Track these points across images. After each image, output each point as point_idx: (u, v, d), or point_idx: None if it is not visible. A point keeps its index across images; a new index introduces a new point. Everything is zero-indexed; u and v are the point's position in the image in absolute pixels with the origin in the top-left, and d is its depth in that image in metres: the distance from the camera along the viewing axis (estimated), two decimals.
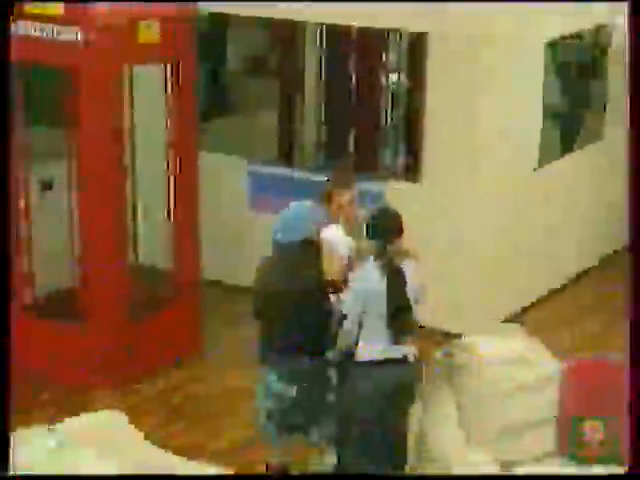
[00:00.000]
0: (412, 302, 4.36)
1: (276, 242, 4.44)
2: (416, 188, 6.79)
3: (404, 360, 4.35)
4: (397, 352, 4.34)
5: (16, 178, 5.99)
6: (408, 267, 4.40)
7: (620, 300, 6.48)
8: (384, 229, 4.40)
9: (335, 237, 4.73)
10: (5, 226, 2.15)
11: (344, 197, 4.83)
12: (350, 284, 4.40)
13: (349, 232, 4.81)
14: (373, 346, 4.30)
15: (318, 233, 4.45)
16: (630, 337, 2.29)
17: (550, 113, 7.22)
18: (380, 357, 4.31)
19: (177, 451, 4.47)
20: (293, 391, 4.35)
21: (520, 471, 4.20)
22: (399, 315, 4.32)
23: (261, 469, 5.12)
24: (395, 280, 4.32)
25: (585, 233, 7.68)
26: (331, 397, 4.48)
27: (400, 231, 4.39)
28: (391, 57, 6.85)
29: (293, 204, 4.59)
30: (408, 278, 4.34)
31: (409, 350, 4.38)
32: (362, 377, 4.32)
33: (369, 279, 4.33)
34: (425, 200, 6.75)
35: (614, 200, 7.96)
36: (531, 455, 4.33)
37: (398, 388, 4.34)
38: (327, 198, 4.84)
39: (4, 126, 2.15)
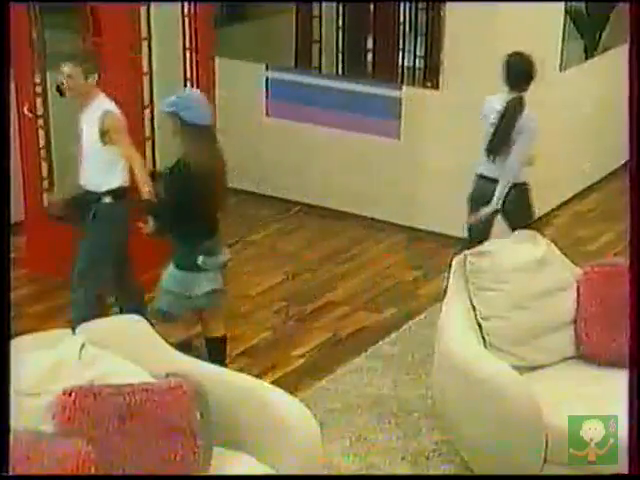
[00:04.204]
0: (516, 136, 5.22)
1: (182, 120, 4.54)
2: (435, 95, 6.72)
3: (495, 180, 5.30)
4: (494, 172, 5.30)
5: (33, 84, 5.98)
6: (533, 117, 5.26)
7: None
8: (519, 72, 5.25)
9: None
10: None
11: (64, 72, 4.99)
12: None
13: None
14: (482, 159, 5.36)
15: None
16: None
17: (573, 16, 7.09)
18: (486, 172, 5.35)
19: (196, 355, 4.54)
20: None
21: (538, 376, 4.24)
22: (500, 144, 5.24)
23: (280, 371, 5.22)
24: (510, 118, 5.20)
25: (609, 137, 7.61)
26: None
27: (529, 77, 5.27)
28: None
29: (189, 90, 4.86)
30: (525, 125, 5.20)
31: (495, 170, 5.30)
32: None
33: (492, 108, 5.30)
34: (445, 106, 6.69)
35: None
36: (549, 360, 4.37)
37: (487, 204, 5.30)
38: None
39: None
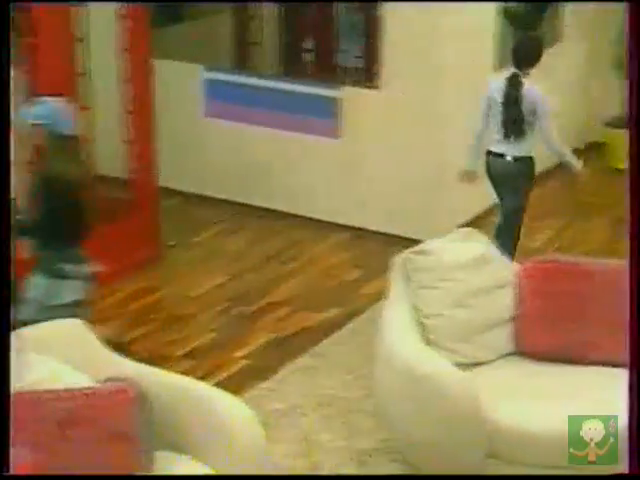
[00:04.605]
0: (526, 114, 5.61)
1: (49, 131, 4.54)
2: (376, 94, 6.75)
3: (502, 155, 5.75)
4: (500, 148, 5.73)
5: None
6: (535, 92, 5.59)
7: (579, 202, 6.56)
8: (523, 54, 5.67)
9: None
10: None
11: None
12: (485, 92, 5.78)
13: None
14: (493, 137, 5.75)
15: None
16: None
17: (509, 16, 7.15)
18: (493, 149, 5.77)
19: (139, 358, 4.50)
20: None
21: (479, 372, 4.27)
22: (510, 121, 5.61)
23: (224, 373, 5.20)
24: (512, 94, 5.60)
25: None
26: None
27: (538, 59, 5.68)
28: None
29: (51, 101, 4.71)
30: (530, 99, 5.58)
31: (511, 150, 5.71)
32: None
33: (497, 88, 5.67)
34: (385, 106, 6.72)
35: (573, 103, 7.98)
36: (490, 356, 4.40)
37: (500, 176, 5.81)
38: None
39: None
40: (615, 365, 4.27)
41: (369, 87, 6.77)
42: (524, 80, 5.65)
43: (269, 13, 7.23)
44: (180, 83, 7.31)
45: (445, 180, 6.77)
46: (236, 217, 7.27)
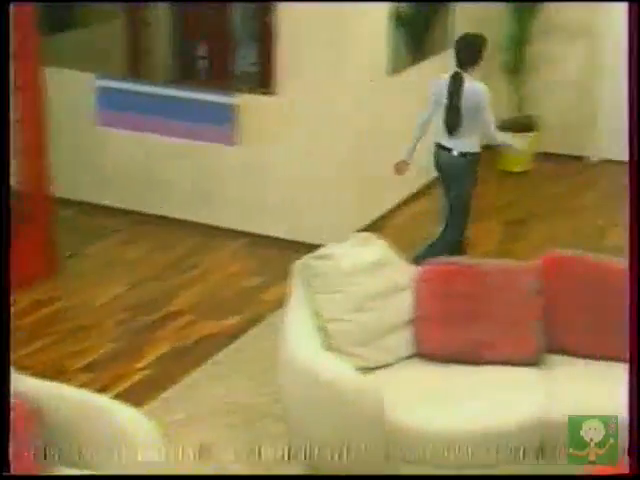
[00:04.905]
0: (469, 111, 5.83)
1: None
2: (272, 100, 6.76)
3: (449, 150, 5.96)
4: (448, 143, 5.93)
5: None
6: (476, 88, 5.81)
7: (473, 205, 6.67)
8: (465, 53, 5.87)
9: None
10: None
11: None
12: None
13: None
14: (441, 132, 5.98)
15: None
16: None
17: (397, 18, 7.22)
18: (442, 142, 5.99)
19: (36, 372, 4.42)
20: None
21: (381, 375, 4.31)
22: (452, 117, 5.85)
23: (124, 384, 5.14)
24: (455, 91, 5.83)
25: None
26: None
27: (479, 57, 5.89)
28: None
29: None
30: (471, 97, 5.81)
31: (458, 145, 5.92)
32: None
33: (442, 86, 5.89)
34: (283, 112, 6.73)
35: None
36: (391, 359, 4.45)
37: (442, 168, 6.09)
38: None
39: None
40: (509, 364, 4.38)
41: (265, 93, 6.77)
42: (465, 77, 5.84)
43: (162, 19, 7.17)
44: (74, 91, 7.19)
45: (344, 184, 6.82)
46: (134, 226, 7.19)
